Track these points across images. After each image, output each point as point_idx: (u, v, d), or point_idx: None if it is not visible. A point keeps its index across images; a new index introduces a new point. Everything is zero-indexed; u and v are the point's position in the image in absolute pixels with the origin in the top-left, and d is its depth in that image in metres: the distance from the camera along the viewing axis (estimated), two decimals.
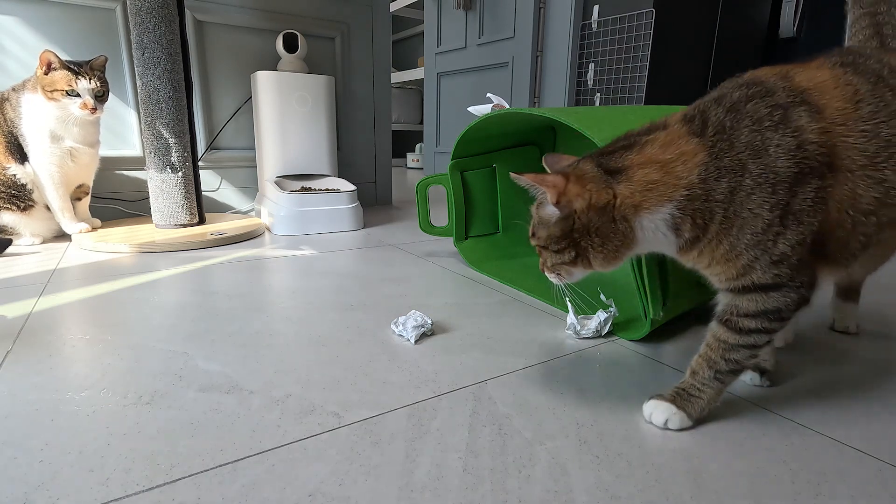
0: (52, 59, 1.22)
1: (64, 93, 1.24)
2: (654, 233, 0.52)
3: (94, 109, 1.27)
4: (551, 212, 0.55)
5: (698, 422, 0.55)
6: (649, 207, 0.50)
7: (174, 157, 1.39)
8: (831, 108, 0.48)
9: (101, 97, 1.30)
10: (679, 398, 0.55)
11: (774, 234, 0.48)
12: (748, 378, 0.64)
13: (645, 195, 0.50)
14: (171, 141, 1.37)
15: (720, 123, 0.49)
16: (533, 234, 0.59)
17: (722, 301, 0.54)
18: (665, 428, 0.54)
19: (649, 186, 0.50)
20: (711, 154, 0.49)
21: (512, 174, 0.57)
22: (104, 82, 1.31)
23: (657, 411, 0.55)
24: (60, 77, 1.23)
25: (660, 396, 0.56)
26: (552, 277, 0.60)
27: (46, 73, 1.23)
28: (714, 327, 0.54)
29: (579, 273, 0.58)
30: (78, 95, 1.25)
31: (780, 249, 0.48)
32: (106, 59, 1.32)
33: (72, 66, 1.24)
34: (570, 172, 0.53)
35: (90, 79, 1.26)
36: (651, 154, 0.51)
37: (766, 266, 0.49)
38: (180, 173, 1.41)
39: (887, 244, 0.55)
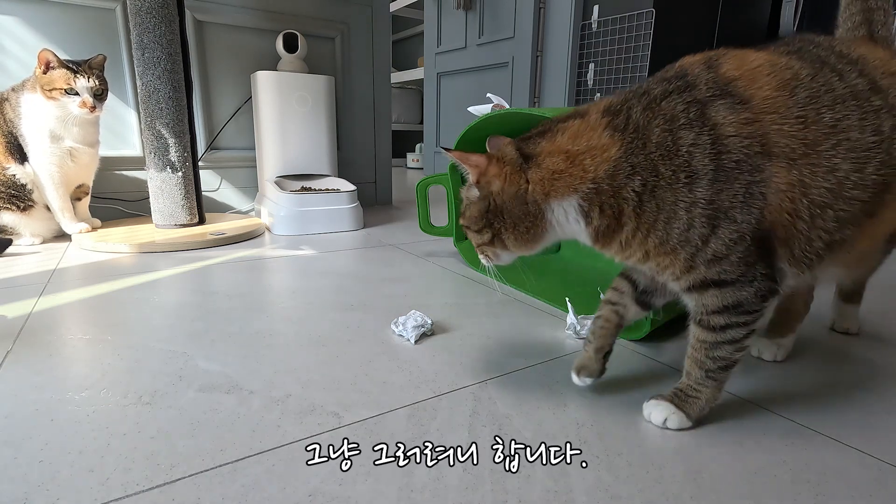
0: (51, 57, 1.22)
1: (63, 91, 1.24)
2: (566, 217, 0.52)
3: (93, 108, 1.27)
4: (474, 192, 0.55)
5: (698, 422, 0.55)
6: (556, 195, 0.51)
7: (174, 157, 1.39)
8: (759, 97, 0.47)
9: (100, 96, 1.30)
10: (677, 398, 0.55)
11: (701, 234, 0.47)
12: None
13: (552, 183, 0.51)
14: (171, 141, 1.37)
15: (637, 121, 0.49)
16: (462, 215, 0.59)
17: (690, 303, 0.53)
18: (664, 427, 0.54)
19: (555, 175, 0.50)
20: (626, 151, 0.48)
21: (441, 147, 0.58)
22: (103, 81, 1.31)
23: (656, 411, 0.55)
24: (59, 76, 1.23)
25: (660, 396, 0.56)
26: (482, 259, 0.60)
27: (45, 72, 1.23)
28: (693, 329, 0.53)
29: (506, 255, 0.58)
30: (77, 94, 1.25)
31: (714, 248, 0.47)
32: (105, 58, 1.32)
33: (70, 65, 1.24)
34: (493, 154, 0.54)
35: (89, 77, 1.26)
36: (560, 143, 0.51)
37: (705, 263, 0.48)
38: (180, 173, 1.41)
39: (857, 247, 0.52)
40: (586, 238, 0.53)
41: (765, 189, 0.46)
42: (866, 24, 0.63)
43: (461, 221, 0.59)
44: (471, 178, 0.55)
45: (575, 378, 0.61)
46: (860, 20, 0.64)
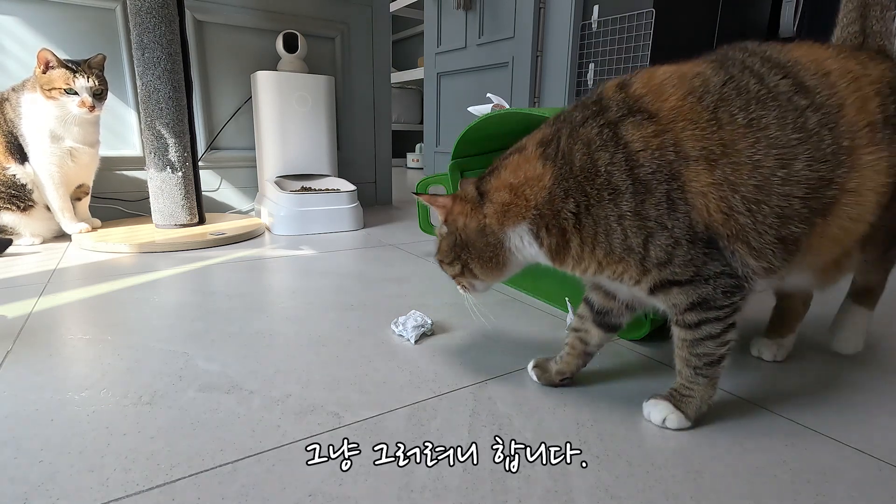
0: (50, 57, 1.22)
1: (62, 91, 1.24)
2: (522, 242, 0.56)
3: (92, 107, 1.27)
4: (444, 229, 0.60)
5: (697, 421, 0.55)
6: (509, 224, 0.55)
7: (174, 157, 1.39)
8: (666, 109, 0.49)
9: (99, 95, 1.30)
10: (674, 398, 0.55)
11: (638, 242, 0.49)
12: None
13: (504, 215, 0.55)
14: (171, 141, 1.37)
15: (563, 149, 0.52)
16: (437, 250, 0.63)
17: (661, 305, 0.54)
18: (663, 426, 0.54)
19: (505, 207, 0.55)
20: (557, 177, 0.52)
21: (414, 193, 0.64)
22: (103, 80, 1.31)
23: (655, 410, 0.55)
24: (58, 75, 1.23)
25: (658, 396, 0.56)
26: (460, 290, 0.64)
27: (45, 72, 1.23)
28: (673, 329, 0.54)
29: (479, 284, 0.62)
30: (76, 94, 1.25)
31: (654, 254, 0.49)
32: (104, 58, 1.32)
33: (70, 65, 1.24)
34: (458, 195, 0.59)
35: (88, 77, 1.26)
36: (504, 178, 0.56)
37: (655, 267, 0.50)
38: (180, 173, 1.41)
39: (818, 248, 0.53)
40: (545, 258, 0.56)
41: (683, 194, 0.47)
42: (861, 20, 0.64)
43: (436, 257, 0.64)
44: (439, 217, 0.60)
45: (529, 367, 0.66)
46: (855, 16, 0.64)
